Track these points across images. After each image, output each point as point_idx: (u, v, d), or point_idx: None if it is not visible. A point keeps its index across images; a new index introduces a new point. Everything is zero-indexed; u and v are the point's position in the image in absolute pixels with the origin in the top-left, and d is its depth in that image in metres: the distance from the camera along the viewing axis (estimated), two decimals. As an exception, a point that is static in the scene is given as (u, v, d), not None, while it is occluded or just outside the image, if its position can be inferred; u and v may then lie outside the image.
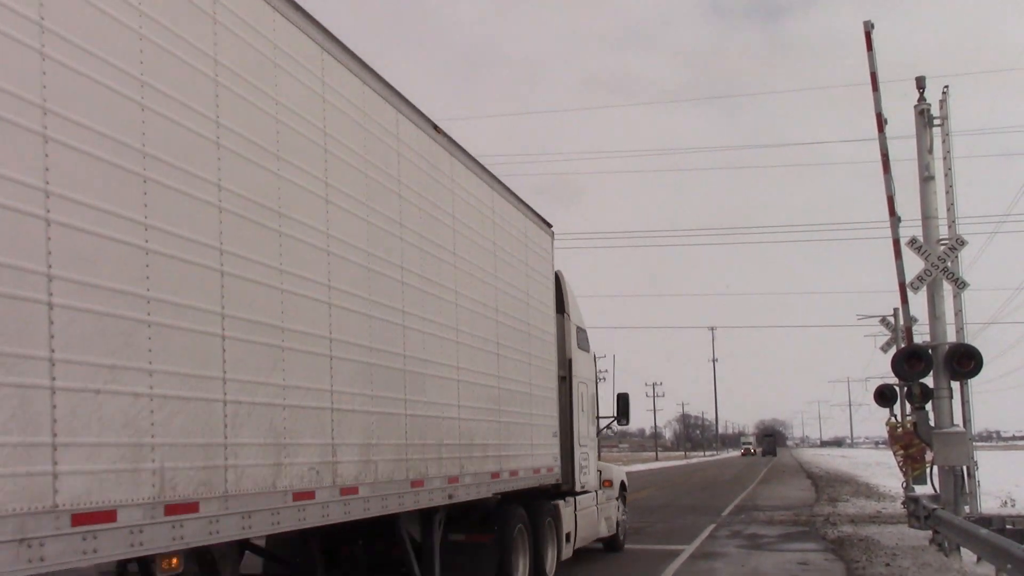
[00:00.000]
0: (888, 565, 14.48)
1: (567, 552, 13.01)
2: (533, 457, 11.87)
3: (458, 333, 9.74)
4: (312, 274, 6.92)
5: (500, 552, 10.44)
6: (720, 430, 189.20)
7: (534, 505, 11.70)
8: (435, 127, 9.52)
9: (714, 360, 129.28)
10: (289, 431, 6.49)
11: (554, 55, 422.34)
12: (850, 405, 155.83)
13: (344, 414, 7.28)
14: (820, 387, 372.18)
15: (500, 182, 11.43)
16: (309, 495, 6.67)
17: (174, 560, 5.39)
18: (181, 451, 5.32)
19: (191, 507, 5.38)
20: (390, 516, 8.07)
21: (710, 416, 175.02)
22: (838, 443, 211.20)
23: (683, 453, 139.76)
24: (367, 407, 7.68)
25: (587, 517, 14.41)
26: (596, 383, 15.92)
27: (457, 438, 9.51)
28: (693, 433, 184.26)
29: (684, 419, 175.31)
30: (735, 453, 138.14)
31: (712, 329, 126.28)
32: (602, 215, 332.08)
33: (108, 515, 4.70)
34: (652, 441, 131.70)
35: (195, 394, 5.47)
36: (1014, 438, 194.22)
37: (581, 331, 14.67)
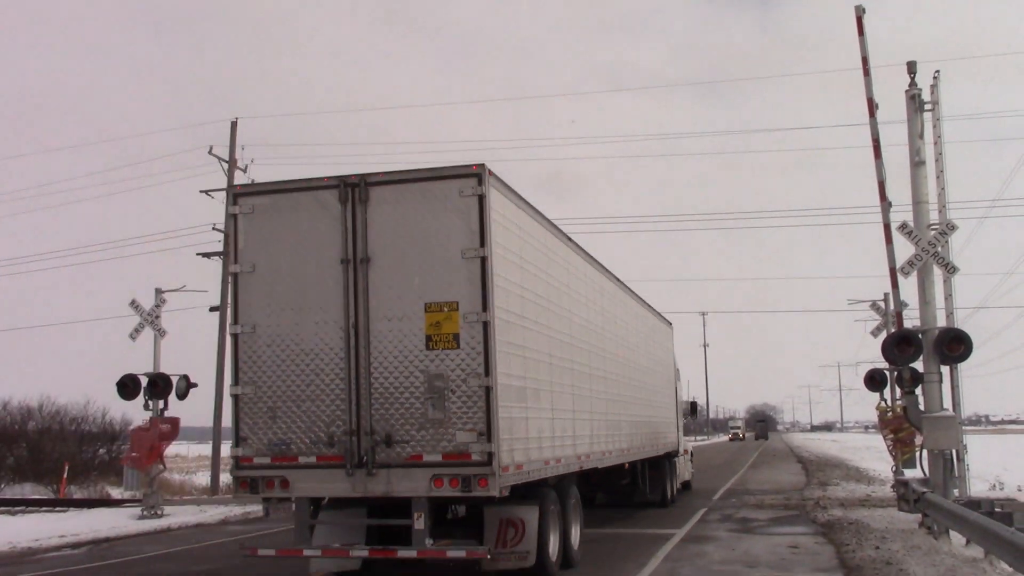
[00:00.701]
0: (878, 548, 14.56)
1: (677, 484, 25.98)
2: (671, 436, 25.19)
3: (654, 392, 23.23)
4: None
5: (662, 478, 23.64)
6: (711, 415, 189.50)
7: (670, 459, 24.65)
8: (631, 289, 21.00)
9: (705, 345, 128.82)
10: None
11: (546, 43, 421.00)
12: (840, 390, 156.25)
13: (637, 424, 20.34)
14: (811, 372, 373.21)
15: (649, 305, 23.51)
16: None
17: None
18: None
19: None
20: (632, 462, 20.52)
21: (701, 401, 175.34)
22: (828, 427, 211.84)
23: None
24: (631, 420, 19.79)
25: (682, 468, 27.33)
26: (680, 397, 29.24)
27: (655, 429, 22.56)
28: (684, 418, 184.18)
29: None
30: (724, 438, 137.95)
31: (703, 314, 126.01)
32: (594, 201, 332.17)
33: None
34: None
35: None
36: (1003, 422, 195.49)
37: (678, 370, 28.38)
